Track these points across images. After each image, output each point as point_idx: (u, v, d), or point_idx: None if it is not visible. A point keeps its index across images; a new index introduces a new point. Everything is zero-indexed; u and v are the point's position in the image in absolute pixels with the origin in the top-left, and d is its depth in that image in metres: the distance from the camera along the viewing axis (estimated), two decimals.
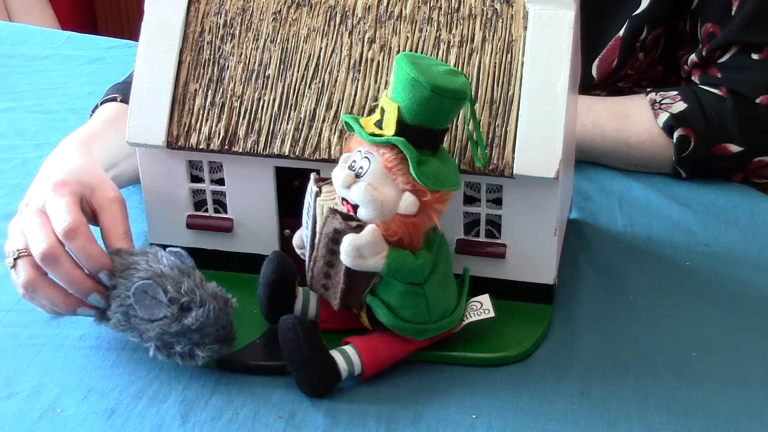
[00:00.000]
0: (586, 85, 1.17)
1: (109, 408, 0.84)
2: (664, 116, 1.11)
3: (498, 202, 0.89)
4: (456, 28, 0.90)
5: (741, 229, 1.04)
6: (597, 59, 1.21)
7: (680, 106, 1.11)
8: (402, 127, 0.79)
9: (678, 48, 1.22)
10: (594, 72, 1.21)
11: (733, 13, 1.12)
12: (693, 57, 1.16)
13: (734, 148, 1.11)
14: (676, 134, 1.10)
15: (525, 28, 0.88)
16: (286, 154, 0.89)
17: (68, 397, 0.85)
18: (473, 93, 0.87)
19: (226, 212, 0.94)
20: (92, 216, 0.89)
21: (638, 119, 1.12)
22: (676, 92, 1.12)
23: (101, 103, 1.09)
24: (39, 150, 1.22)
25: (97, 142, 0.98)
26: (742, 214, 1.07)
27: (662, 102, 1.12)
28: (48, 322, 0.93)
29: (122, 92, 1.08)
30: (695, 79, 1.16)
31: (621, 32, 1.20)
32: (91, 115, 1.10)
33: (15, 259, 0.86)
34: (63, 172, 0.90)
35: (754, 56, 1.12)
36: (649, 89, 1.14)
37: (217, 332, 0.83)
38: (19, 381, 0.87)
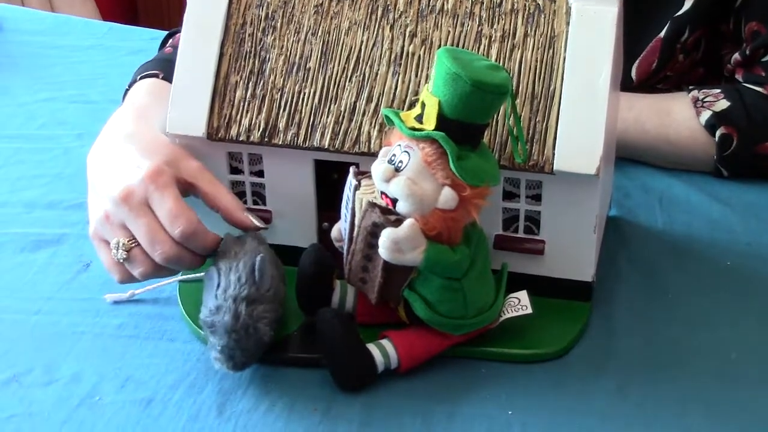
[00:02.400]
0: (624, 87, 1.16)
1: (146, 397, 0.84)
2: (706, 114, 1.10)
3: (537, 198, 0.88)
4: (498, 23, 0.89)
5: None
6: (636, 61, 1.20)
7: (723, 104, 1.10)
8: (442, 122, 0.78)
9: (718, 50, 1.21)
10: (633, 74, 1.20)
11: None
12: (737, 56, 1.15)
13: None
14: (718, 133, 1.09)
15: (567, 23, 0.87)
16: (326, 147, 0.89)
17: (106, 385, 0.86)
18: (514, 88, 0.86)
19: (264, 204, 0.95)
20: (185, 189, 0.89)
21: (680, 117, 1.11)
22: (719, 90, 1.11)
23: (139, 79, 1.09)
24: (80, 140, 1.23)
25: (152, 115, 0.98)
26: None
27: (705, 100, 1.11)
28: (87, 310, 0.94)
29: (163, 70, 1.07)
30: (739, 77, 1.15)
31: (662, 33, 1.19)
32: (124, 95, 1.09)
33: (127, 251, 0.87)
34: (142, 151, 0.90)
35: None
36: (691, 87, 1.13)
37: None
38: (58, 368, 0.87)
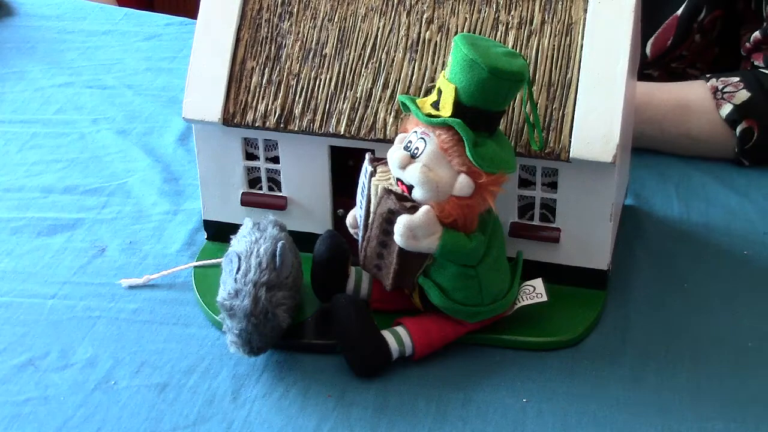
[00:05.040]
0: (639, 64, 1.16)
1: (161, 382, 0.85)
2: (727, 108, 1.08)
3: (553, 186, 0.88)
4: (515, 10, 0.89)
5: None
6: (652, 37, 1.19)
7: (743, 95, 1.09)
8: (459, 109, 0.78)
9: (735, 30, 1.20)
10: (648, 50, 1.19)
11: None
12: (757, 35, 1.13)
13: None
14: (739, 128, 1.08)
15: (585, 11, 0.87)
16: (342, 133, 0.89)
17: (122, 369, 0.86)
18: (531, 75, 0.86)
19: (280, 190, 0.95)
20: None
21: (699, 110, 1.10)
22: (738, 78, 1.10)
23: None
24: (96, 125, 1.23)
25: None
26: None
27: (724, 90, 1.09)
28: (103, 295, 0.94)
29: None
30: (758, 62, 1.14)
31: (679, 11, 1.18)
32: None
33: None
34: None
35: None
36: (709, 75, 1.12)
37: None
38: (74, 353, 0.88)
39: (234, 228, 0.89)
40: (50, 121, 1.24)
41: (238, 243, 0.86)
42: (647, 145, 1.11)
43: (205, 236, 0.99)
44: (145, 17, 1.53)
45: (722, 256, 0.98)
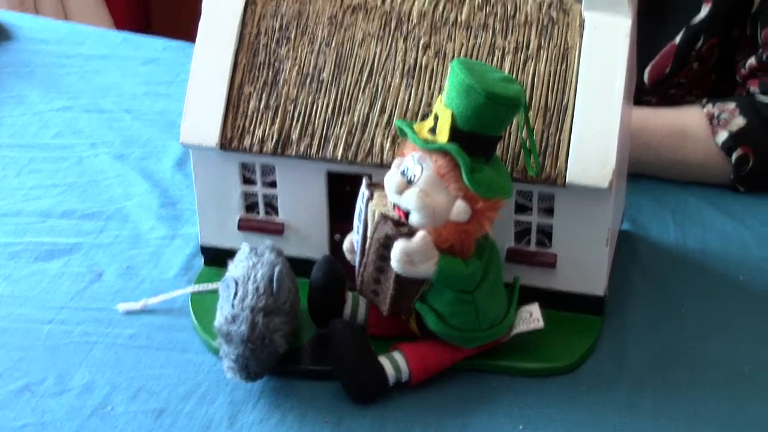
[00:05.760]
0: (636, 91, 1.16)
1: (158, 407, 0.84)
2: (722, 135, 1.09)
3: (550, 211, 0.88)
4: (511, 35, 0.89)
5: None
6: (650, 65, 1.19)
7: (739, 121, 1.09)
8: (455, 134, 0.78)
9: (731, 57, 1.21)
10: (646, 77, 1.20)
11: None
12: (752, 61, 1.14)
13: None
14: (734, 155, 1.08)
15: (581, 36, 0.87)
16: (339, 158, 0.89)
17: (118, 395, 0.86)
18: (527, 100, 0.86)
19: (277, 215, 0.95)
20: None
21: (695, 137, 1.10)
22: (734, 104, 1.11)
23: None
24: (94, 149, 1.23)
25: None
26: None
27: (720, 116, 1.10)
28: (100, 320, 0.94)
29: None
30: (753, 88, 1.14)
31: (677, 40, 1.18)
32: None
33: None
34: None
35: None
36: (705, 100, 1.13)
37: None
38: (71, 378, 0.88)
39: (231, 253, 0.89)
40: (48, 146, 1.24)
41: (236, 268, 0.86)
42: (643, 171, 1.11)
43: (203, 261, 0.99)
44: (144, 41, 1.54)
45: (718, 281, 0.98)
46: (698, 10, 1.17)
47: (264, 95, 0.92)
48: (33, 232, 1.07)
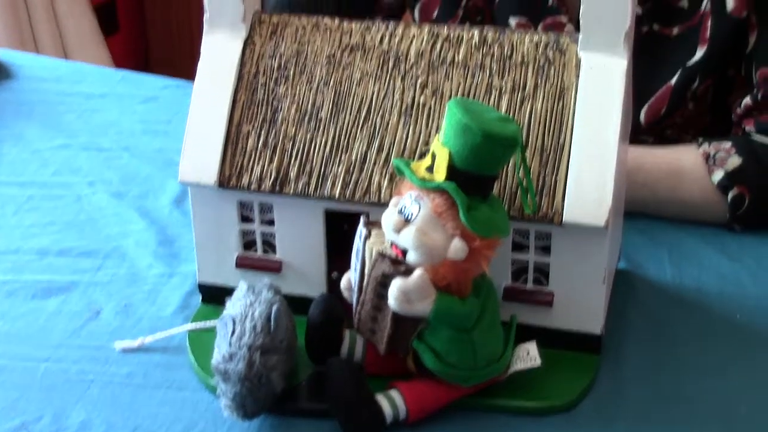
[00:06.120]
0: (633, 130, 1.17)
1: None
2: (718, 174, 1.09)
3: (546, 249, 0.88)
4: (508, 75, 0.90)
5: None
6: (646, 105, 1.20)
7: (735, 160, 1.09)
8: (453, 173, 0.79)
9: (727, 97, 1.22)
10: (642, 118, 1.20)
11: None
12: (747, 101, 1.15)
13: None
14: (731, 195, 1.09)
15: (577, 76, 0.88)
16: (337, 197, 0.89)
17: None
18: (524, 140, 0.87)
19: (275, 253, 0.95)
20: None
21: (691, 176, 1.11)
22: (730, 144, 1.11)
23: None
24: (92, 187, 1.23)
25: None
26: None
27: (716, 156, 1.10)
28: (97, 358, 0.94)
29: None
30: (749, 127, 1.15)
31: (673, 81, 1.19)
32: None
33: None
34: None
35: None
36: (701, 139, 1.13)
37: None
38: (67, 417, 0.87)
39: (229, 291, 0.89)
40: (47, 184, 1.25)
41: (233, 306, 0.86)
42: (640, 209, 1.12)
43: (200, 299, 0.99)
44: (142, 80, 1.55)
45: (715, 320, 0.98)
46: (694, 52, 1.18)
47: (262, 133, 0.92)
48: (30, 270, 1.07)
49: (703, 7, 1.18)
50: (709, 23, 1.17)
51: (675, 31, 1.20)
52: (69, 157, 1.31)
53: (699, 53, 1.18)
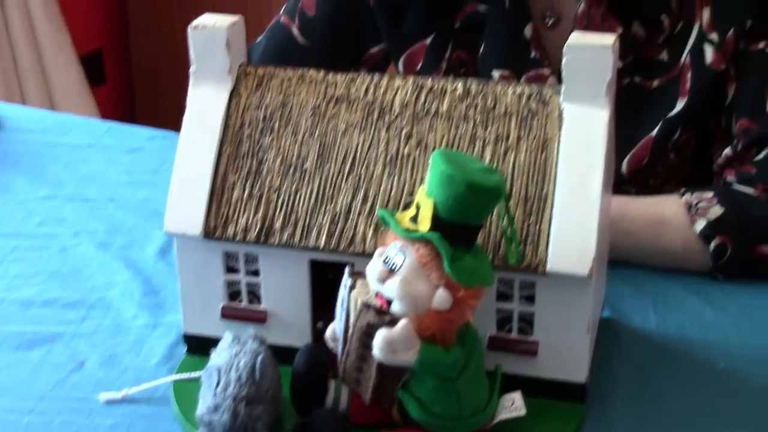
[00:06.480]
0: (615, 182, 1.18)
1: None
2: (701, 224, 1.10)
3: (531, 298, 0.89)
4: (492, 126, 0.91)
5: None
6: (628, 156, 1.21)
7: (717, 210, 1.10)
8: (437, 223, 0.79)
9: (708, 147, 1.23)
10: (624, 169, 1.22)
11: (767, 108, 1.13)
12: (728, 152, 1.16)
13: None
14: (713, 244, 1.09)
15: (560, 127, 0.89)
16: (322, 247, 0.90)
17: None
18: (508, 190, 0.88)
19: (260, 303, 0.95)
20: None
21: (674, 226, 1.11)
22: (712, 194, 1.12)
23: None
24: (77, 237, 1.23)
25: None
26: None
27: (698, 205, 1.11)
28: (80, 410, 0.93)
29: None
30: (729, 177, 1.16)
31: (654, 132, 1.20)
32: None
33: None
34: None
35: None
36: (683, 189, 1.14)
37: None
38: None
39: (214, 341, 0.89)
40: (32, 234, 1.25)
41: (218, 357, 0.86)
42: (623, 258, 1.12)
43: (185, 349, 0.99)
44: (128, 131, 1.55)
45: (699, 369, 0.98)
46: (674, 104, 1.20)
47: (248, 184, 0.93)
48: (15, 321, 1.07)
49: (682, 60, 1.20)
50: (689, 76, 1.19)
51: (655, 83, 1.21)
52: (54, 208, 1.31)
53: (679, 105, 1.19)
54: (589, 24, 1.20)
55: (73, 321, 1.07)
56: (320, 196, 0.91)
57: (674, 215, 1.12)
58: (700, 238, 1.10)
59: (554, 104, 0.90)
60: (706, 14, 1.17)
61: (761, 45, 1.15)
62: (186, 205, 0.93)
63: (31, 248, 1.22)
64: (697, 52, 1.18)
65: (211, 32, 0.94)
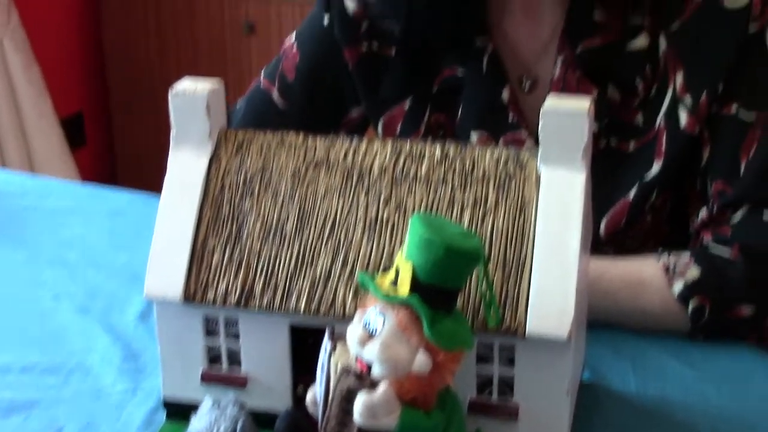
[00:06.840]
0: (593, 243, 1.19)
1: None
2: (678, 286, 1.11)
3: (511, 361, 0.89)
4: (470, 189, 0.91)
5: (755, 394, 1.04)
6: (605, 218, 1.22)
7: (694, 272, 1.11)
8: (416, 287, 0.80)
9: (684, 209, 1.24)
10: (602, 230, 1.23)
11: (742, 171, 1.14)
12: (703, 215, 1.17)
13: (747, 311, 1.11)
14: (691, 305, 1.10)
15: (537, 190, 0.90)
16: (302, 311, 0.90)
17: None
18: (486, 254, 0.88)
19: (240, 367, 0.95)
20: None
21: (652, 287, 1.12)
22: (689, 255, 1.13)
23: None
24: (56, 301, 1.23)
25: None
26: (757, 378, 1.06)
27: (676, 267, 1.12)
28: None
29: None
30: (706, 239, 1.17)
31: (631, 195, 1.22)
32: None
33: None
34: None
35: (767, 213, 1.13)
36: (661, 250, 1.15)
37: None
38: None
39: (194, 406, 0.89)
40: (10, 298, 1.24)
41: (198, 422, 0.85)
42: (602, 320, 1.13)
43: (165, 415, 0.98)
44: (109, 194, 1.55)
45: (679, 431, 0.98)
46: (650, 166, 1.21)
47: (228, 249, 0.93)
48: None
49: (657, 123, 1.21)
50: (664, 139, 1.20)
51: (631, 146, 1.23)
52: (33, 272, 1.31)
53: (655, 168, 1.20)
54: (564, 88, 1.22)
55: (51, 387, 1.06)
56: (300, 261, 0.91)
57: (652, 277, 1.13)
58: (679, 299, 1.11)
59: (531, 168, 0.91)
60: (679, 78, 1.19)
61: (733, 108, 1.17)
62: (166, 269, 0.93)
63: (9, 312, 1.21)
64: (672, 115, 1.20)
65: (191, 98, 0.95)
